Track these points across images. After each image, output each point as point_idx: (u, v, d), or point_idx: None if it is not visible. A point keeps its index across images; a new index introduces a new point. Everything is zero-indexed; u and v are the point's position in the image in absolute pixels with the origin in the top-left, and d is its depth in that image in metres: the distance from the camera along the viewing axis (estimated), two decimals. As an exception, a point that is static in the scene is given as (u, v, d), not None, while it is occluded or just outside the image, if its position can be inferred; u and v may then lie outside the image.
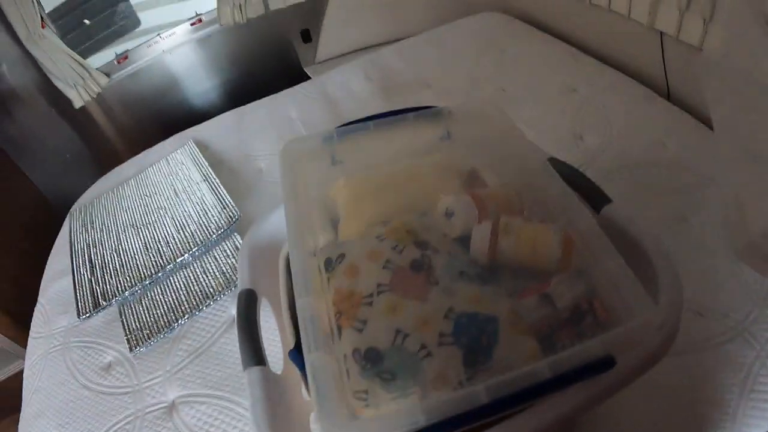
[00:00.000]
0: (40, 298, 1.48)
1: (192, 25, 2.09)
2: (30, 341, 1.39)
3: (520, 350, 0.58)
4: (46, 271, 1.55)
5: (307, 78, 2.06)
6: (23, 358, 1.84)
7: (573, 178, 0.79)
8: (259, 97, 1.87)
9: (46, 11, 2.01)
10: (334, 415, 0.53)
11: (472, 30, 1.99)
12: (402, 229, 0.71)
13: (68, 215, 1.65)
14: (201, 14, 2.10)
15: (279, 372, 0.74)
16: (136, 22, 2.41)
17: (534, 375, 0.52)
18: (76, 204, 1.71)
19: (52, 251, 1.60)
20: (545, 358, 0.54)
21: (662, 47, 1.48)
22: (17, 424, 1.24)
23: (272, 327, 1.05)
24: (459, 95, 1.68)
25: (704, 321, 0.96)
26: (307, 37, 2.28)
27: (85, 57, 2.03)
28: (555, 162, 0.82)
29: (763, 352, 0.91)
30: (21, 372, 1.85)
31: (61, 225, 1.70)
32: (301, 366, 0.68)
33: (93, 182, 1.81)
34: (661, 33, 1.45)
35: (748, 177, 0.98)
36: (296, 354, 0.71)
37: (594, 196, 0.78)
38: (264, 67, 2.28)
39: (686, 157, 1.29)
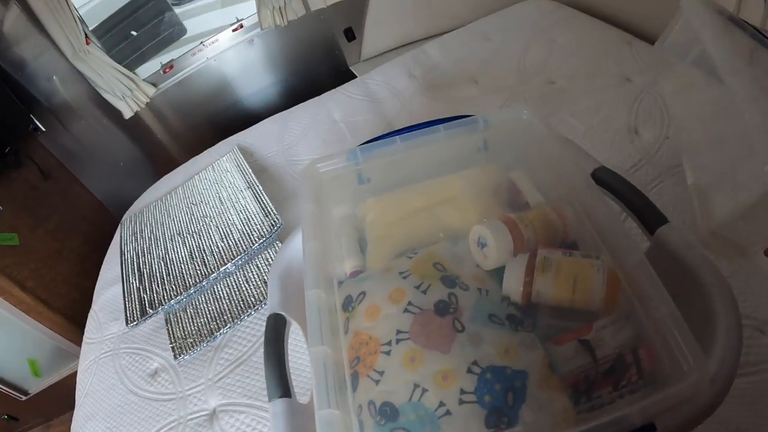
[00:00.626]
0: (94, 305, 1.53)
1: (234, 30, 2.11)
2: (83, 346, 1.44)
3: (551, 411, 0.53)
4: (99, 279, 1.60)
5: (354, 76, 2.04)
6: (79, 358, 1.94)
7: (625, 192, 0.71)
8: (307, 97, 1.87)
9: (94, 25, 2.07)
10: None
11: (518, 19, 1.90)
12: (429, 262, 0.67)
13: (119, 224, 1.70)
14: (242, 19, 2.11)
15: (306, 399, 0.71)
16: (183, 31, 2.46)
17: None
18: (127, 213, 1.76)
19: (105, 260, 1.65)
20: (578, 426, 0.48)
21: None
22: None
23: (303, 350, 1.04)
24: (506, 91, 1.60)
25: (766, 338, 0.88)
26: (351, 35, 2.25)
27: (134, 68, 2.08)
28: (605, 172, 0.74)
29: None
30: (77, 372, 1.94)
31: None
32: None
33: (148, 187, 1.85)
34: None
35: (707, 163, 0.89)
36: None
37: (648, 215, 0.69)
38: (310, 67, 2.28)
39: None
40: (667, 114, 1.34)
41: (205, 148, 1.88)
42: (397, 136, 0.82)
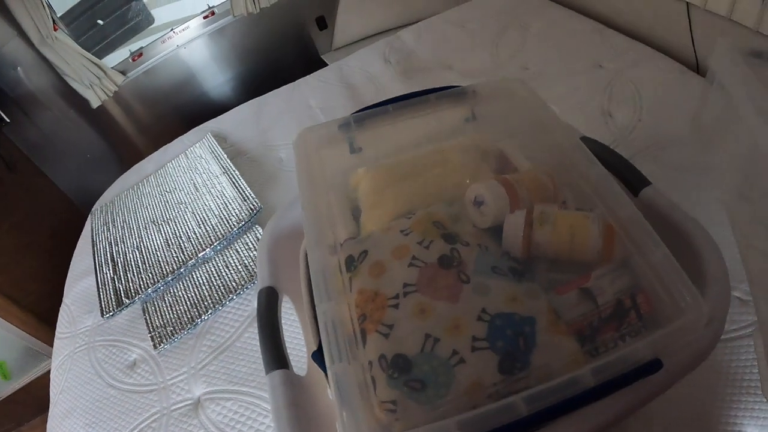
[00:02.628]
0: (65, 299, 1.47)
1: (205, 18, 2.07)
2: (56, 341, 1.38)
3: (561, 353, 0.54)
4: (69, 271, 1.54)
5: (325, 65, 2.02)
6: (51, 357, 1.87)
7: (608, 158, 0.73)
8: (277, 86, 1.84)
9: (59, 14, 2.00)
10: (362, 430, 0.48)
11: (492, 8, 1.92)
12: (428, 221, 0.66)
13: (90, 215, 1.64)
14: (213, 6, 2.07)
15: (303, 373, 0.70)
16: (150, 20, 2.39)
17: (577, 383, 0.48)
18: (97, 203, 1.70)
19: (75, 251, 1.60)
20: (588, 364, 0.49)
21: (689, 18, 1.41)
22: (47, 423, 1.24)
23: (295, 324, 1.03)
24: (481, 75, 1.62)
25: (745, 306, 0.90)
26: (322, 24, 2.23)
27: (100, 57, 2.01)
28: (588, 141, 0.76)
29: None
30: (50, 371, 1.88)
31: (84, 224, 1.70)
32: (325, 368, 0.65)
33: (115, 180, 1.80)
34: (688, 3, 1.39)
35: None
36: (319, 356, 0.67)
37: (631, 178, 0.72)
38: (280, 56, 2.25)
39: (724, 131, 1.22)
40: (639, 98, 1.37)
41: (171, 140, 1.83)
42: (389, 105, 0.81)
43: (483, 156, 0.81)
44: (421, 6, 2.18)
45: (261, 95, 1.84)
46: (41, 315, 1.80)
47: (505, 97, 0.86)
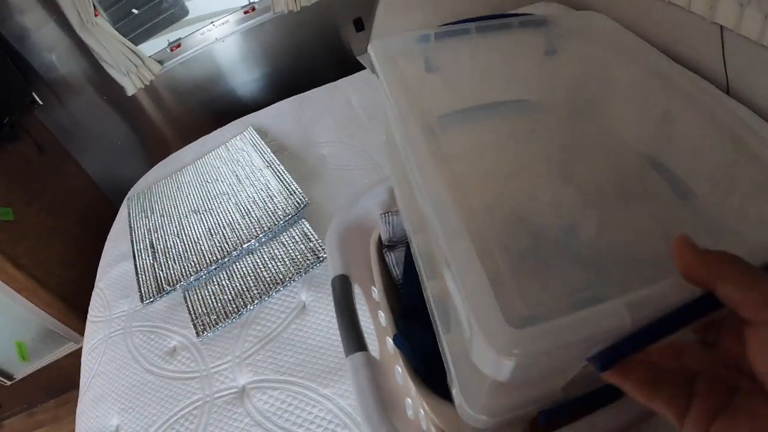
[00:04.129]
0: (98, 283, 1.47)
1: (245, 13, 2.08)
2: (88, 325, 1.38)
3: None
4: (103, 256, 1.54)
5: (360, 67, 2.03)
6: (74, 341, 1.87)
7: None
8: (310, 86, 1.85)
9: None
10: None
11: (565, 13, 1.93)
12: (513, 217, 0.67)
13: (125, 201, 1.65)
14: (254, 2, 2.08)
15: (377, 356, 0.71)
16: (185, 11, 2.40)
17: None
18: (132, 189, 1.71)
19: (110, 236, 1.60)
20: None
21: (722, 41, 1.44)
22: (67, 405, 1.23)
23: (363, 311, 1.04)
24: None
25: None
26: (360, 25, 2.24)
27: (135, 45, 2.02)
28: None
29: None
30: (70, 355, 1.87)
31: (111, 211, 1.70)
32: (407, 350, 0.65)
33: (143, 169, 1.81)
34: (722, 27, 1.41)
35: None
36: (401, 339, 0.68)
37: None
38: (315, 56, 2.25)
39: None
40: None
41: (201, 135, 1.84)
42: (472, 24, 0.77)
43: (556, 167, 0.81)
44: (458, 11, 2.20)
45: (293, 94, 1.85)
46: (66, 298, 1.80)
47: (591, 32, 0.85)
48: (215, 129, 1.83)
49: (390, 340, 0.71)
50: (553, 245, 0.63)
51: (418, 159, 0.58)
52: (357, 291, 0.83)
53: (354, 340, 0.68)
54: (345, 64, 2.24)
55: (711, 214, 0.59)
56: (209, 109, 2.21)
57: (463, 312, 0.40)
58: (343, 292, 0.74)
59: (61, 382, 1.92)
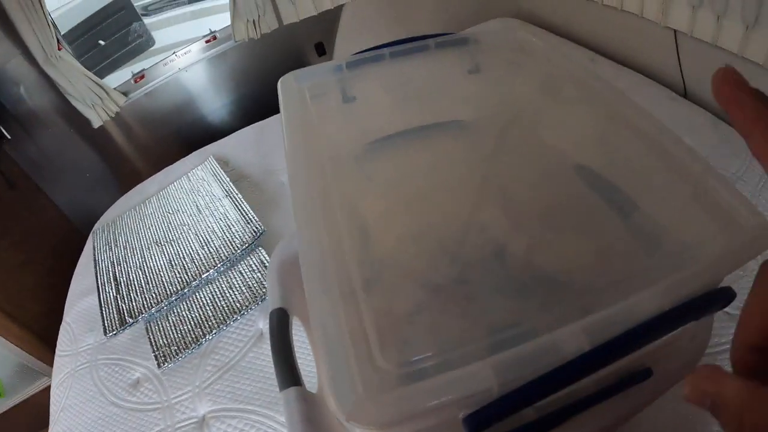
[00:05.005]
0: (66, 317, 1.49)
1: (207, 42, 2.11)
2: (56, 359, 1.40)
3: None
4: (70, 289, 1.56)
5: (323, 91, 2.07)
6: (48, 376, 1.87)
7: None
8: (275, 111, 1.87)
9: (62, 33, 2.04)
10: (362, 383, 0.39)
11: (488, 30, 1.98)
12: (438, 245, 0.69)
13: (91, 234, 1.67)
14: (215, 31, 2.12)
15: (314, 391, 0.73)
16: (151, 41, 2.44)
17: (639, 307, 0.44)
18: (98, 222, 1.73)
19: (76, 270, 1.62)
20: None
21: (677, 45, 1.48)
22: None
23: (304, 344, 1.06)
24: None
25: (733, 320, 0.95)
26: (321, 50, 2.28)
27: (102, 77, 2.05)
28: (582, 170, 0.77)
29: None
30: (46, 389, 1.88)
31: (83, 243, 1.72)
32: None
33: (113, 201, 1.82)
34: (675, 31, 1.45)
35: None
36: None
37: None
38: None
39: (709, 155, 1.28)
40: None
41: (170, 162, 1.87)
42: (386, 49, 0.79)
43: (487, 188, 0.83)
44: (421, 29, 2.25)
45: (258, 119, 1.88)
46: (38, 333, 1.82)
47: (509, 46, 0.84)
48: (185, 157, 1.85)
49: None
50: (479, 273, 0.65)
51: (296, 201, 0.60)
52: (299, 323, 0.85)
53: (287, 375, 0.68)
54: (309, 88, 2.28)
55: (649, 225, 0.63)
56: (179, 138, 2.23)
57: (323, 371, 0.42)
58: (279, 327, 0.75)
59: (40, 416, 1.93)
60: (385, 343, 0.47)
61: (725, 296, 0.47)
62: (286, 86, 0.81)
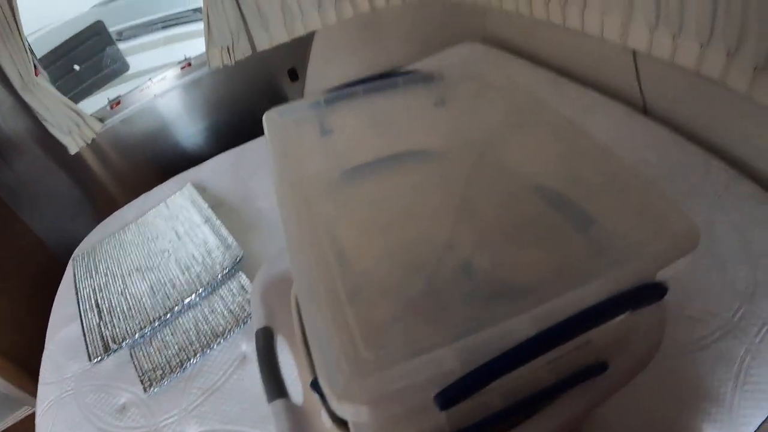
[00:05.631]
0: (48, 344, 1.50)
1: (182, 68, 2.15)
2: (40, 388, 1.41)
3: None
4: (51, 317, 1.58)
5: (296, 115, 2.12)
6: (29, 405, 1.88)
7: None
8: (250, 137, 1.93)
9: (37, 57, 2.05)
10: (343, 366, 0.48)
11: (452, 62, 2.06)
12: (409, 263, 0.75)
13: (71, 261, 1.69)
14: (190, 58, 2.16)
15: (300, 404, 0.79)
16: (125, 67, 2.47)
17: (582, 299, 0.53)
18: (78, 249, 1.75)
19: (57, 298, 1.63)
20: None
21: (635, 65, 1.56)
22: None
23: (288, 362, 1.11)
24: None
25: (696, 323, 1.05)
26: (294, 75, 2.34)
27: (77, 102, 2.06)
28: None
29: (753, 345, 0.99)
30: (27, 418, 1.88)
31: (62, 270, 1.73)
32: (323, 395, 0.73)
33: (90, 227, 1.85)
34: (634, 51, 1.53)
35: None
36: (317, 383, 0.75)
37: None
38: (254, 107, 2.29)
39: (668, 170, 1.37)
40: None
41: (146, 189, 1.90)
42: (360, 86, 0.87)
43: (453, 207, 0.89)
44: (387, 58, 2.33)
45: (234, 145, 1.93)
46: (18, 361, 1.82)
47: (473, 81, 0.93)
48: (163, 183, 1.89)
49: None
50: (448, 286, 0.71)
51: (286, 224, 0.66)
52: (283, 340, 0.91)
53: (274, 388, 0.75)
54: (285, 112, 2.33)
55: (601, 235, 0.69)
56: (156, 164, 2.26)
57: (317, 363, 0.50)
58: (264, 344, 0.81)
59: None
60: (368, 341, 0.55)
61: (658, 289, 0.56)
62: (270, 120, 0.87)
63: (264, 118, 0.86)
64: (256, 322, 0.85)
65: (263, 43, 2.10)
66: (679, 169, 1.36)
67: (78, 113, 2.00)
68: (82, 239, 1.82)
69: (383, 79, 0.91)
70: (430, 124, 0.96)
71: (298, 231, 0.68)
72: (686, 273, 1.10)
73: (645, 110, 1.61)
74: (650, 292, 0.56)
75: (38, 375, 1.45)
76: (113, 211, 1.87)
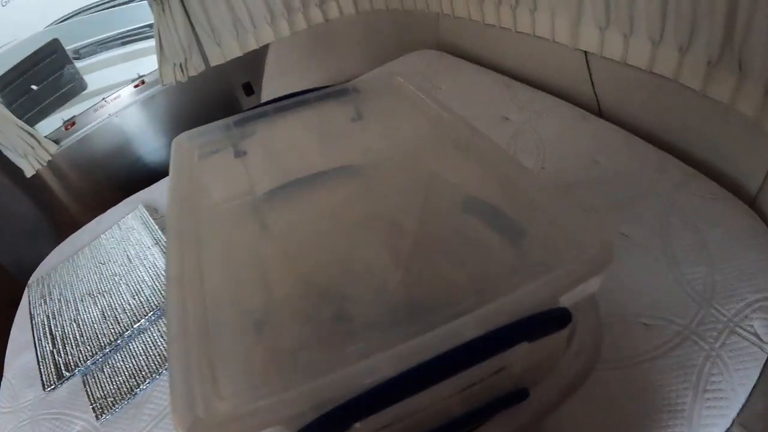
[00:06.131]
0: (6, 373, 1.50)
1: (135, 87, 2.15)
2: (-1, 417, 1.42)
3: None
4: (9, 344, 1.58)
5: (253, 129, 2.13)
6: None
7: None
8: (209, 152, 1.93)
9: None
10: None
11: (406, 69, 2.08)
12: (325, 286, 0.76)
13: (27, 287, 1.69)
14: (143, 75, 2.16)
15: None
16: (83, 85, 2.46)
17: (459, 335, 0.48)
18: (33, 275, 1.75)
19: (14, 325, 1.63)
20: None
21: (588, 66, 1.58)
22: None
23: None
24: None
25: (651, 330, 1.01)
26: (249, 89, 2.35)
27: (34, 123, 2.07)
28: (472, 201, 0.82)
29: (713, 351, 0.94)
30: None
31: (21, 293, 1.73)
32: None
33: (51, 248, 1.84)
34: (586, 52, 1.55)
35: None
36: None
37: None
38: (210, 122, 2.32)
39: (619, 171, 1.37)
40: (542, 146, 1.52)
41: (107, 208, 1.90)
42: (268, 106, 0.86)
43: (378, 226, 0.89)
44: (343, 69, 2.33)
45: (194, 160, 1.92)
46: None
47: (388, 94, 0.91)
48: (116, 205, 1.89)
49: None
50: (361, 309, 0.72)
51: (170, 254, 0.66)
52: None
53: None
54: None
55: (538, 246, 0.68)
56: (116, 182, 2.26)
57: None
58: None
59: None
60: (236, 379, 0.55)
61: (559, 317, 0.52)
62: (178, 146, 0.86)
63: (173, 142, 0.86)
64: None
65: (216, 59, 2.10)
66: (631, 169, 1.36)
67: (33, 136, 1.99)
68: (42, 260, 1.81)
69: (294, 97, 0.91)
70: (348, 139, 0.96)
71: (182, 258, 0.65)
72: (639, 276, 1.10)
73: (599, 112, 1.63)
74: (550, 320, 0.52)
75: (-2, 403, 1.45)
76: (74, 231, 1.87)
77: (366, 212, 0.85)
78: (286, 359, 0.64)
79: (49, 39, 2.43)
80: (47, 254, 1.84)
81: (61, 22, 2.64)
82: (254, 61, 2.24)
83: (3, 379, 1.50)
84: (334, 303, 0.71)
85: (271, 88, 2.32)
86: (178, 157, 0.82)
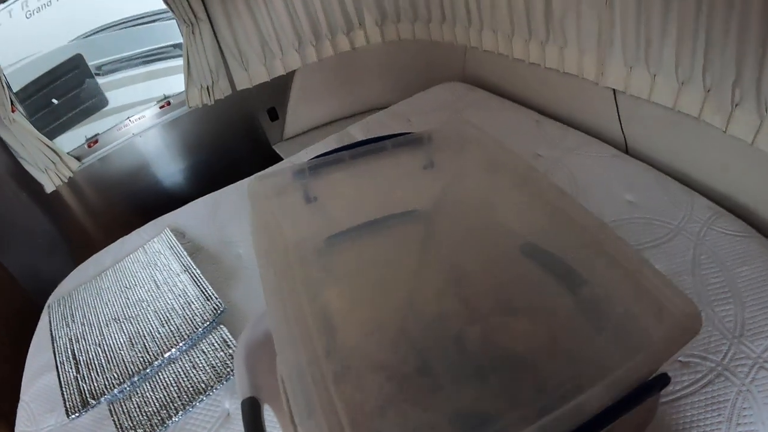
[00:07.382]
0: (23, 396, 1.47)
1: (161, 108, 2.15)
2: (16, 441, 1.38)
3: None
4: (26, 367, 1.55)
5: (276, 155, 2.13)
6: (5, 455, 1.82)
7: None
8: (230, 177, 1.92)
9: (14, 90, 2.03)
10: None
11: (434, 102, 2.09)
12: (401, 335, 0.75)
13: (46, 308, 1.66)
14: (169, 96, 2.16)
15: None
16: (104, 102, 2.46)
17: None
18: (53, 295, 1.72)
19: (32, 346, 1.60)
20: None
21: (616, 103, 1.59)
22: None
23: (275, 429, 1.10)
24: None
25: (686, 367, 1.04)
26: (273, 115, 2.35)
27: (53, 137, 2.05)
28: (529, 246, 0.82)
29: (744, 387, 0.98)
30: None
31: (37, 312, 1.70)
32: None
33: (68, 266, 1.82)
34: (614, 90, 1.56)
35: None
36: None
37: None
38: (233, 146, 2.34)
39: (650, 210, 1.39)
40: (575, 183, 1.54)
41: (123, 228, 1.88)
42: (345, 152, 0.86)
43: (440, 273, 0.88)
44: (368, 98, 2.35)
45: (213, 185, 1.92)
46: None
47: (461, 143, 0.92)
48: (141, 223, 1.87)
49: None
50: (440, 360, 0.71)
51: (267, 296, 0.65)
52: (270, 409, 0.89)
53: None
54: (263, 153, 2.34)
55: (598, 300, 0.70)
56: (133, 204, 2.25)
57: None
58: (251, 416, 0.79)
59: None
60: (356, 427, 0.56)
61: (663, 382, 0.55)
62: (253, 189, 0.87)
63: (248, 187, 0.86)
64: (241, 392, 0.83)
65: (243, 83, 2.11)
66: (662, 209, 1.38)
67: (55, 151, 1.98)
68: (58, 280, 1.79)
69: (371, 143, 0.91)
70: (418, 186, 0.96)
71: (280, 306, 0.67)
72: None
73: (626, 149, 1.64)
74: (657, 386, 0.56)
75: (11, 426, 1.42)
76: (89, 250, 1.85)
77: (430, 257, 0.85)
78: (374, 416, 0.62)
79: (72, 54, 2.44)
80: (61, 271, 1.81)
81: (86, 37, 2.64)
82: (279, 87, 2.25)
83: (20, 401, 1.47)
84: (417, 354, 0.70)
85: (295, 114, 2.32)
86: (254, 200, 0.82)
